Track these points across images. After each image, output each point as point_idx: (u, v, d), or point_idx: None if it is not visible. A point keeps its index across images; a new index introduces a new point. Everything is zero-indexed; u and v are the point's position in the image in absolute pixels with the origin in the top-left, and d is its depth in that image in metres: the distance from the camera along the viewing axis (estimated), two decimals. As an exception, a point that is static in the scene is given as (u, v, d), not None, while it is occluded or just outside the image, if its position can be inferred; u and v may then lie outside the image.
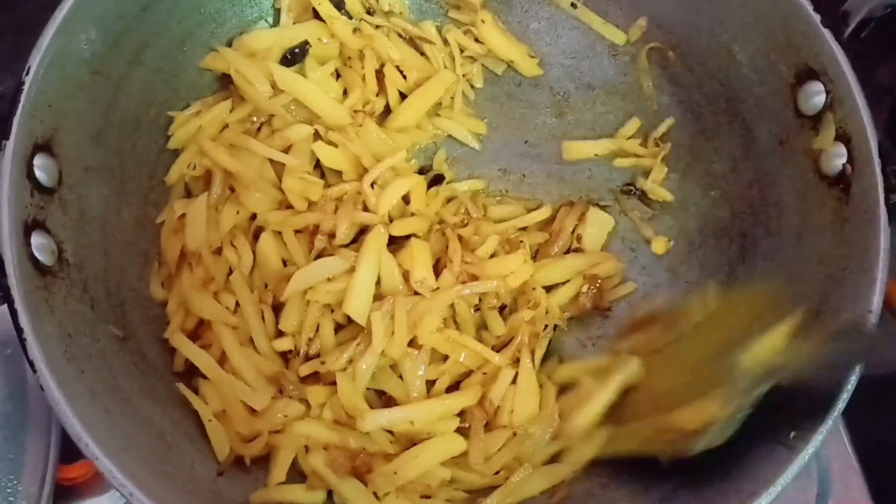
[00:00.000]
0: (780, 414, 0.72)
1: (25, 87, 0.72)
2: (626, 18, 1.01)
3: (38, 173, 0.73)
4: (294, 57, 0.96)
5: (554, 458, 0.84)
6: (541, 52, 1.03)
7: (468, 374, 0.87)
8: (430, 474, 0.80)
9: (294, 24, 0.96)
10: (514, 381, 0.85)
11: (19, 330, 0.66)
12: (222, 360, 0.84)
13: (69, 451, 0.87)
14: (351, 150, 0.91)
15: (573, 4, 1.02)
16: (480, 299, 0.89)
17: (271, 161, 0.90)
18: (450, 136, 1.01)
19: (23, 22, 1.05)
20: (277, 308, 0.86)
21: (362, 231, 0.88)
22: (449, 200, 0.97)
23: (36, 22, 0.76)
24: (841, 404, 0.70)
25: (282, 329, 0.85)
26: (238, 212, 0.89)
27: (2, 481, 0.83)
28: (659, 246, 0.98)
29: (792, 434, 0.71)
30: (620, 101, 1.02)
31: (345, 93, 0.96)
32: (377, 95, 0.97)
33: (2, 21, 1.09)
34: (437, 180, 0.98)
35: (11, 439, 0.85)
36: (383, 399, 0.85)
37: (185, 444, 0.77)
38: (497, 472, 0.82)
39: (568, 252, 0.96)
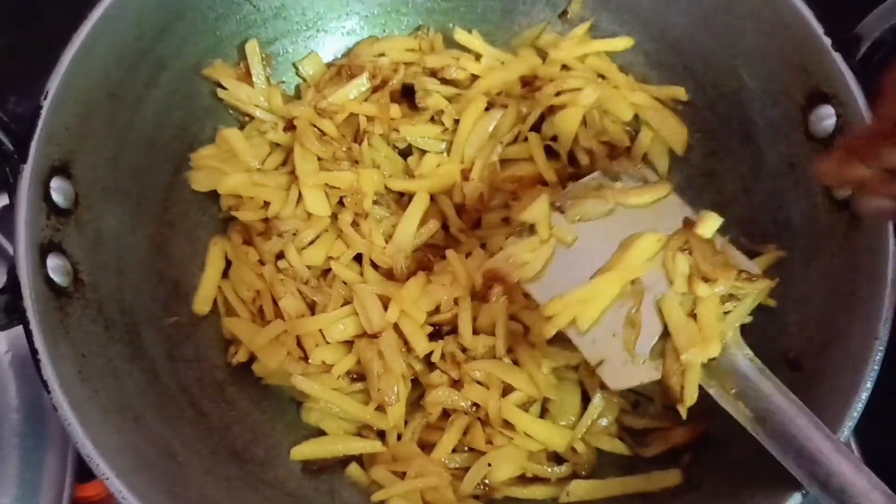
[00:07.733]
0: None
1: (43, 112, 0.73)
2: (639, 38, 1.01)
3: (55, 196, 0.75)
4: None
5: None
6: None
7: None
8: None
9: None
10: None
11: (34, 351, 0.67)
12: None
13: (85, 470, 0.88)
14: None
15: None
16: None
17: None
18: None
19: (40, 40, 1.04)
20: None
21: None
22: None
23: (52, 41, 0.76)
24: (850, 422, 0.70)
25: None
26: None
27: (20, 500, 0.84)
28: None
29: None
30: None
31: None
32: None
33: (18, 39, 1.09)
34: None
35: (29, 459, 0.86)
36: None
37: (196, 462, 0.77)
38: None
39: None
